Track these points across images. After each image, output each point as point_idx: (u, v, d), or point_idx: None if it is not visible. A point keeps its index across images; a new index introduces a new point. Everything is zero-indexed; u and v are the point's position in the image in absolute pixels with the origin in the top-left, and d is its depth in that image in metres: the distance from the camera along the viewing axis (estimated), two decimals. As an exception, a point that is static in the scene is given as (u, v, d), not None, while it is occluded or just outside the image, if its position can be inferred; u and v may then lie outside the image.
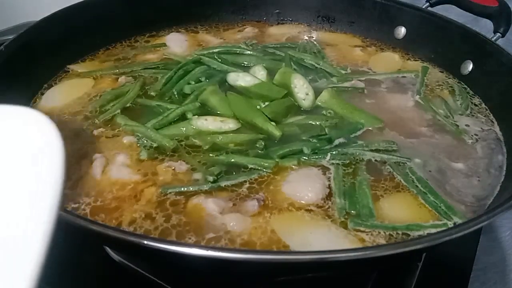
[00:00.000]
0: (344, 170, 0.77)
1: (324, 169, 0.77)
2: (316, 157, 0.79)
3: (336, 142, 0.82)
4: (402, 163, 0.80)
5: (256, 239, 0.64)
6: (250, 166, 0.76)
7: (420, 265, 0.81)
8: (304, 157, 0.79)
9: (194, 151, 0.79)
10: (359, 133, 0.86)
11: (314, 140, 0.82)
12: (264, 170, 0.76)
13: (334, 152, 0.80)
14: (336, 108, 0.91)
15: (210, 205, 0.68)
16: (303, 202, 0.71)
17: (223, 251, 0.50)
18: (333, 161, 0.78)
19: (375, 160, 0.80)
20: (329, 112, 0.90)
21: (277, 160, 0.77)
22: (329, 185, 0.74)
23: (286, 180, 0.75)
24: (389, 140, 0.83)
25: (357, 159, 0.79)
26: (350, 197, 0.72)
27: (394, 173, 0.78)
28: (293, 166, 0.77)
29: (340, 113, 0.90)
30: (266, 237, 0.65)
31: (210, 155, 0.78)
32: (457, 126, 0.91)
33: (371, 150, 0.81)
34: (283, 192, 0.72)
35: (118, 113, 0.87)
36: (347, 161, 0.79)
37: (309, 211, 0.69)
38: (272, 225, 0.67)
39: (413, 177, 0.77)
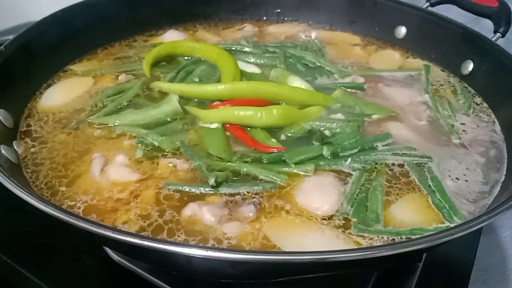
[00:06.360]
0: (368, 175, 0.75)
1: (343, 175, 0.74)
2: (336, 161, 0.76)
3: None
4: (423, 163, 0.78)
5: (245, 244, 0.63)
6: (261, 177, 0.73)
7: (421, 265, 0.81)
8: (322, 163, 0.75)
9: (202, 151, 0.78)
10: (387, 141, 0.83)
11: (331, 144, 0.78)
12: (277, 182, 0.72)
13: (356, 158, 0.77)
14: (350, 103, 0.91)
15: (206, 216, 0.65)
16: (318, 213, 0.68)
17: (224, 251, 0.50)
18: (354, 165, 0.76)
19: (396, 164, 0.78)
20: (348, 112, 0.89)
21: (292, 166, 0.74)
22: (344, 192, 0.71)
23: (300, 188, 0.71)
24: (409, 146, 0.82)
25: (378, 164, 0.78)
26: (359, 204, 0.69)
27: (410, 172, 0.77)
28: (307, 174, 0.73)
29: (354, 105, 0.90)
30: (257, 242, 0.63)
31: (223, 162, 0.75)
32: (460, 125, 0.91)
33: (393, 154, 0.79)
34: (295, 201, 0.69)
35: (117, 113, 0.86)
36: (368, 166, 0.76)
37: (311, 217, 0.68)
38: (264, 230, 0.65)
39: (428, 175, 0.76)
